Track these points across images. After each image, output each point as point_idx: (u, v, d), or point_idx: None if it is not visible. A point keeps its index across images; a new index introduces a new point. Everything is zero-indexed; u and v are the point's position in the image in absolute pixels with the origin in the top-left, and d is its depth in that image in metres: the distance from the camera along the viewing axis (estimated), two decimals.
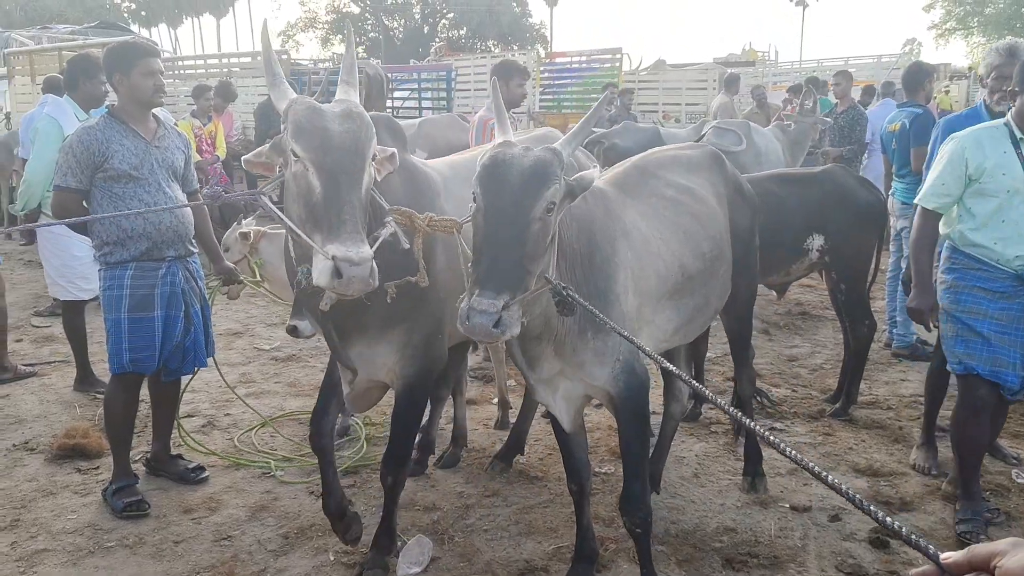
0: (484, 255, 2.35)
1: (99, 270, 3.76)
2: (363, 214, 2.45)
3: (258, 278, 4.61)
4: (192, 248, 3.90)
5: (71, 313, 5.26)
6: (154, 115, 3.83)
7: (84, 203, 3.68)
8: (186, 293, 3.81)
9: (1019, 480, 3.93)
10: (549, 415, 3.13)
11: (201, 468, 4.08)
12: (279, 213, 2.53)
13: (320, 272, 2.32)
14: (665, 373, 3.73)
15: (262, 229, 4.70)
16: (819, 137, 7.91)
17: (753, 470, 3.93)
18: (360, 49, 53.36)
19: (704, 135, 6.48)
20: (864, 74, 16.40)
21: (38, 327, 6.77)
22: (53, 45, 13.54)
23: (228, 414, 4.92)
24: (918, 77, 5.95)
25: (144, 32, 43.24)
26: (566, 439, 3.10)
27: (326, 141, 2.42)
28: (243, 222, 4.99)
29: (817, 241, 4.69)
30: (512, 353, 2.89)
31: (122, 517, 3.65)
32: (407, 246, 2.66)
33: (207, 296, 4.03)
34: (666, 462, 4.11)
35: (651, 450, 3.58)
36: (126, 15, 50.27)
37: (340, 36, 55.46)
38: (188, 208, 3.85)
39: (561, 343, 2.76)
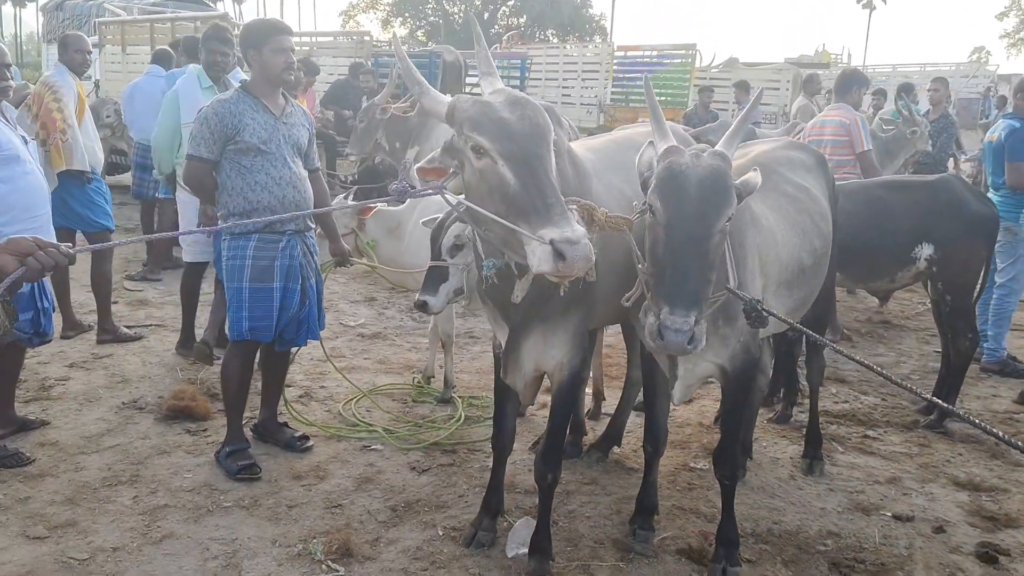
0: (669, 271, 2.41)
1: (223, 240, 3.88)
2: (560, 195, 2.43)
3: (371, 256, 4.72)
4: (311, 224, 4.01)
5: (190, 276, 5.42)
6: (283, 92, 3.93)
7: (214, 173, 3.80)
8: (303, 267, 3.91)
9: None
10: None
11: (306, 437, 4.20)
12: (470, 204, 2.48)
13: (541, 259, 2.28)
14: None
15: (372, 203, 4.79)
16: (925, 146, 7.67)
17: (813, 453, 4.13)
18: (419, 33, 53.65)
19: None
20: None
21: (131, 290, 6.98)
22: (144, 17, 13.88)
23: (323, 386, 5.04)
24: None
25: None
26: (653, 402, 3.35)
27: (507, 130, 2.41)
28: (346, 198, 5.10)
29: (926, 250, 4.65)
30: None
31: (236, 479, 3.78)
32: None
33: (322, 272, 4.13)
34: (761, 461, 4.17)
35: None
36: None
37: (401, 18, 55.78)
38: (308, 184, 3.95)
39: None
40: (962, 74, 18.05)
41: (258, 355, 4.16)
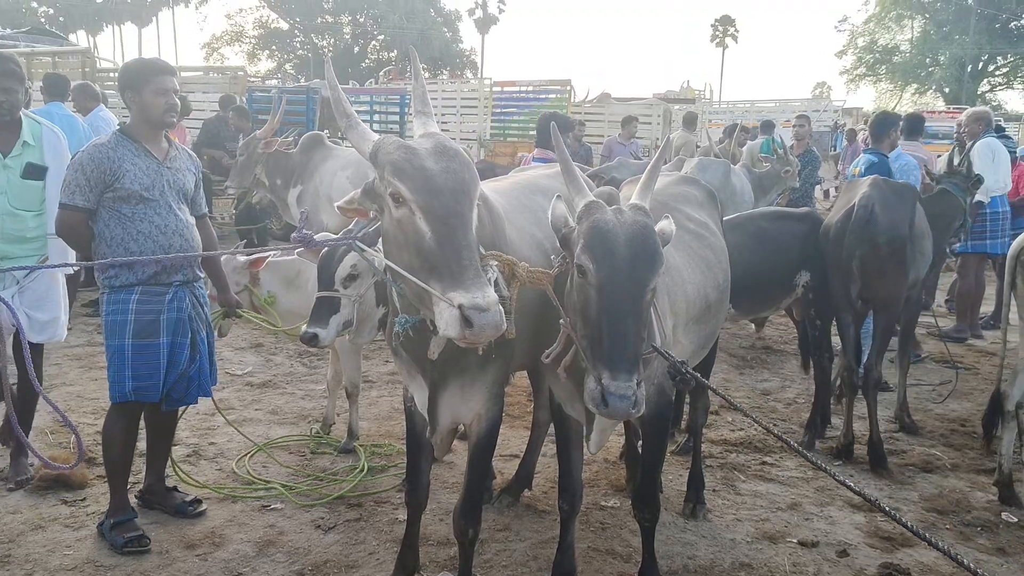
0: (607, 334, 2.34)
1: (102, 294, 3.60)
2: (478, 257, 2.35)
3: (271, 313, 4.49)
4: (199, 273, 3.78)
5: None
6: (166, 135, 3.71)
7: (90, 223, 3.53)
8: (193, 320, 3.67)
9: (1008, 519, 4.11)
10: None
11: (198, 501, 3.92)
12: (383, 259, 2.41)
13: (448, 323, 2.20)
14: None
15: (266, 254, 4.54)
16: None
17: (695, 497, 4.09)
18: (288, 67, 52.71)
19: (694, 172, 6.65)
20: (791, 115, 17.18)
21: None
22: None
23: (212, 443, 4.74)
24: (884, 126, 6.25)
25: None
26: (568, 454, 3.23)
27: (430, 182, 2.31)
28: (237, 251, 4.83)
29: (804, 277, 4.88)
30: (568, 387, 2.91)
31: (123, 553, 3.47)
32: (507, 294, 2.55)
33: (212, 324, 3.90)
34: (669, 495, 4.19)
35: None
36: (43, 20, 48.35)
37: (267, 51, 54.73)
38: (196, 232, 3.73)
39: None
40: (813, 108, 19.32)
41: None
